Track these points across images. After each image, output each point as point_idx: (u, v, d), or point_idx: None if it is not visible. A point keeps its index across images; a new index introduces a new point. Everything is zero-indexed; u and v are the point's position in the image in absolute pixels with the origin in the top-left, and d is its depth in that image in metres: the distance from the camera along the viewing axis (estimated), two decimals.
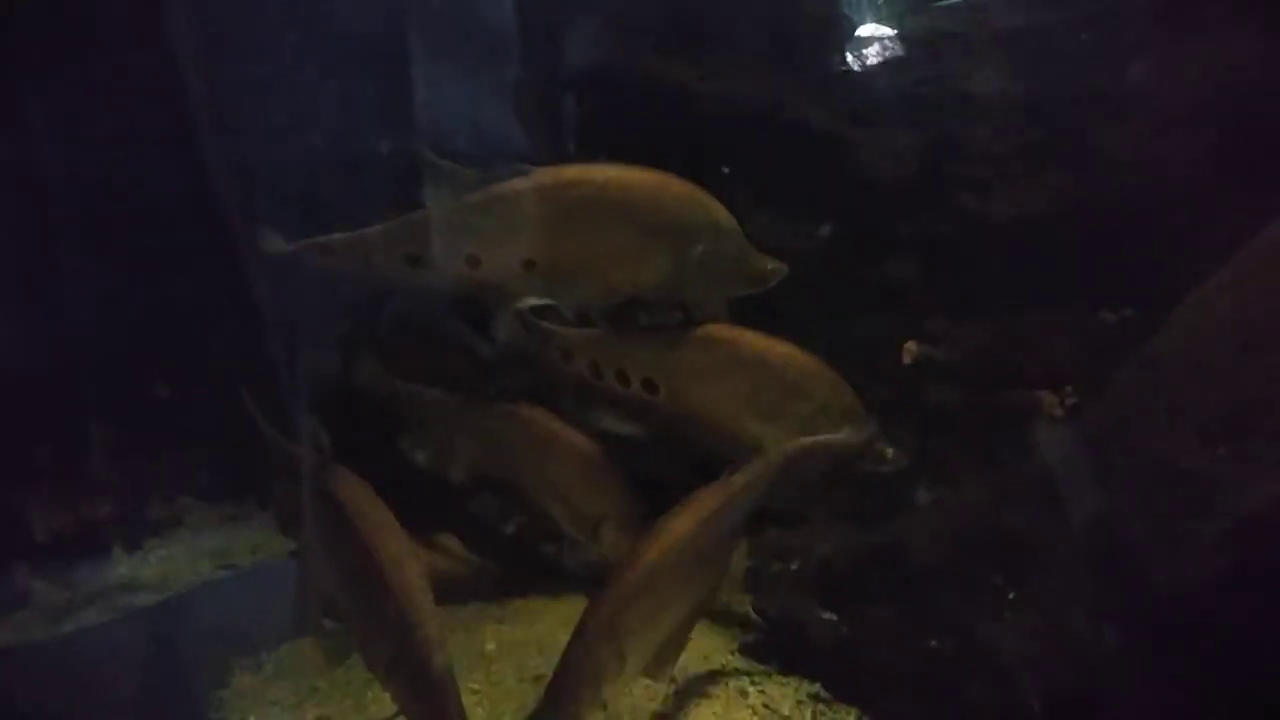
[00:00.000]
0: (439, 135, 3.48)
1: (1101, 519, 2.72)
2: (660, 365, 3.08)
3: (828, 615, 3.42)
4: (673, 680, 3.29)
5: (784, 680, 3.30)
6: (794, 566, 4.12)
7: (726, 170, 4.05)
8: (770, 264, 3.03)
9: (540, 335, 3.30)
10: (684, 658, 3.48)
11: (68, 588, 3.83)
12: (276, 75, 3.99)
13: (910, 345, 4.01)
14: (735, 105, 4.13)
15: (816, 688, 3.25)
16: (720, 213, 2.97)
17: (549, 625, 3.64)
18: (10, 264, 3.66)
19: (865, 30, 4.16)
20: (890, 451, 3.10)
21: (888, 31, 4.15)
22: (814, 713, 3.10)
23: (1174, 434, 2.47)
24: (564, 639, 2.50)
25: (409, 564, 2.38)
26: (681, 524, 2.56)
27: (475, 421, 3.57)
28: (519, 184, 2.90)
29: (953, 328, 4.08)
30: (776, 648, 3.52)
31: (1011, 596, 2.94)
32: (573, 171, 2.96)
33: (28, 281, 3.74)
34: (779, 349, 3.08)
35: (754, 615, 3.73)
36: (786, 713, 3.09)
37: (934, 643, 3.04)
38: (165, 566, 4.06)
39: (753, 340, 3.08)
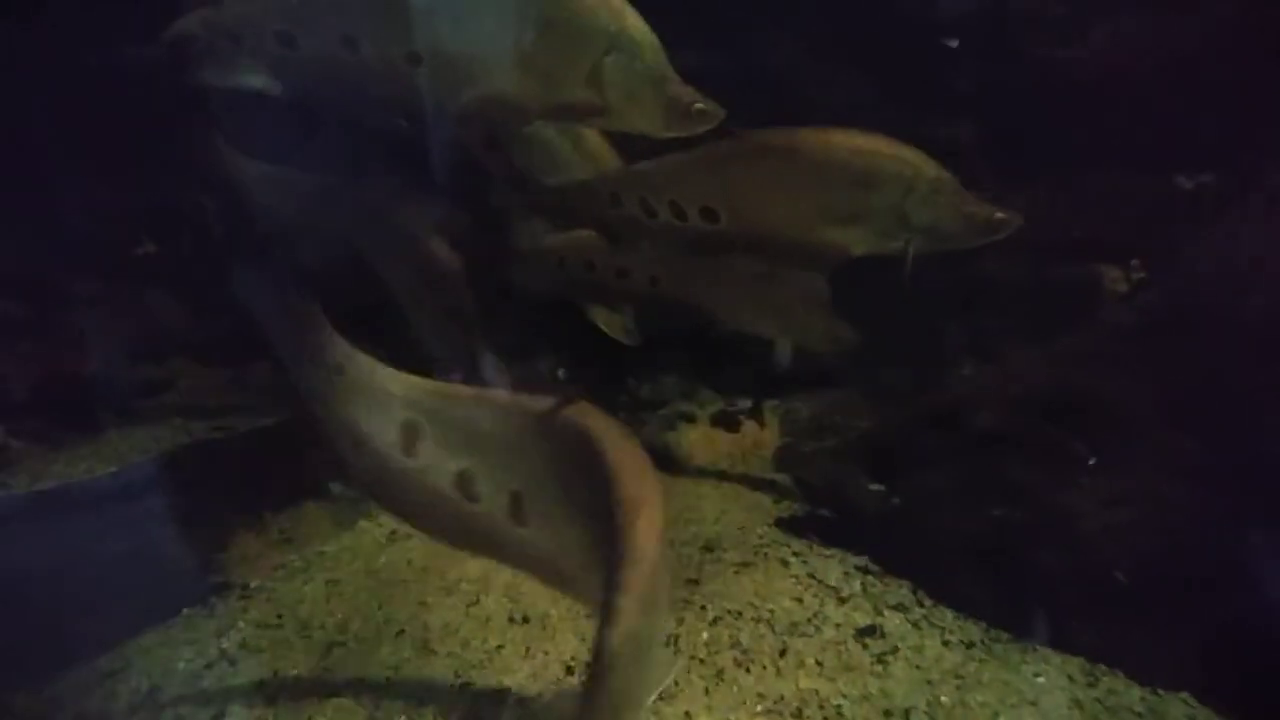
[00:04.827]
0: None
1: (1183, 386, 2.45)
2: (716, 189, 2.69)
3: (875, 486, 3.17)
4: (707, 548, 3.06)
5: (827, 552, 3.06)
6: (829, 445, 3.88)
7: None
8: (699, 102, 2.51)
9: (580, 184, 2.92)
10: (717, 528, 3.29)
11: (52, 447, 3.55)
12: None
13: None
14: None
15: (864, 560, 3.01)
16: (632, 19, 2.45)
17: None
18: None
19: None
20: (999, 214, 2.65)
21: None
22: (863, 584, 2.86)
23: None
24: None
25: (651, 520, 1.92)
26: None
27: None
28: None
29: (1009, 192, 3.77)
30: (815, 521, 3.27)
31: (1092, 462, 2.67)
32: None
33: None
34: (840, 141, 2.62)
35: (791, 487, 3.49)
36: (833, 583, 2.85)
37: (997, 511, 2.79)
38: (155, 429, 3.78)
39: (811, 138, 2.63)
